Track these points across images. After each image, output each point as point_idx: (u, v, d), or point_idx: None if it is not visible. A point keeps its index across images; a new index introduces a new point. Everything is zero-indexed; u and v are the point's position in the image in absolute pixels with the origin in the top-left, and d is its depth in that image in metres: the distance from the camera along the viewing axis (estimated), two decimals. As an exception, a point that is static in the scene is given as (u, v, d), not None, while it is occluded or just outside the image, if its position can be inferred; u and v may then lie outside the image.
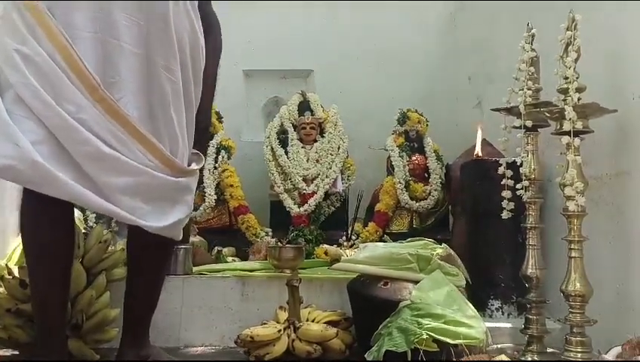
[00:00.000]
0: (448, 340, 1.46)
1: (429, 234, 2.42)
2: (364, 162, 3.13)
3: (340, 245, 2.71)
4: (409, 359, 1.48)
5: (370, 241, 2.64)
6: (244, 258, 2.63)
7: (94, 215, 2.58)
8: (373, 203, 2.93)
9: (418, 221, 2.82)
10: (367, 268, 1.86)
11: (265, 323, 2.07)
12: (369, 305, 1.87)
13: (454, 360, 1.27)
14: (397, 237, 2.58)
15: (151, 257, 1.68)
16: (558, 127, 1.71)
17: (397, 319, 1.59)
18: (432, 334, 1.49)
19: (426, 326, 1.50)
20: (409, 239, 2.08)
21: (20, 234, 1.53)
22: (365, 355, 1.60)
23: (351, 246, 2.65)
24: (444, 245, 2.00)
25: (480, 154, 2.19)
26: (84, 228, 2.47)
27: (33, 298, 1.54)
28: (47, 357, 1.51)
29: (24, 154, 1.31)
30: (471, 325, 1.51)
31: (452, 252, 1.98)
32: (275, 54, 3.42)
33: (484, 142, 2.43)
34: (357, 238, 2.74)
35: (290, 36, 3.42)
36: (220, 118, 3.00)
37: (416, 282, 1.82)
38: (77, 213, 2.09)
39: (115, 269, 2.02)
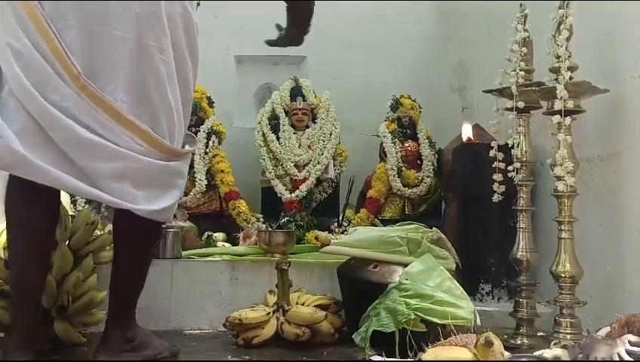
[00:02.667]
0: (436, 320, 1.45)
1: (422, 221, 2.37)
2: (356, 148, 3.12)
3: (331, 231, 2.69)
4: (397, 339, 1.47)
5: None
6: (234, 243, 2.61)
7: (83, 199, 2.55)
8: (365, 189, 2.91)
9: (410, 208, 2.81)
10: (356, 251, 1.85)
11: (254, 307, 2.05)
12: (359, 288, 1.86)
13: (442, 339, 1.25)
14: (389, 223, 2.56)
15: (138, 240, 1.66)
16: (550, 107, 1.69)
17: (385, 300, 1.58)
18: (420, 314, 1.47)
19: (413, 306, 1.49)
20: (399, 223, 2.06)
21: (5, 217, 1.53)
22: (353, 336, 1.59)
23: (342, 233, 2.63)
24: (434, 228, 1.98)
25: (471, 137, 2.17)
26: (73, 212, 2.44)
27: (10, 275, 1.55)
28: (20, 336, 1.49)
29: (6, 143, 1.39)
30: (459, 305, 1.50)
31: (442, 235, 1.96)
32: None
33: (476, 126, 2.42)
34: (349, 224, 2.72)
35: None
36: (211, 103, 2.98)
37: (405, 265, 1.80)
38: (65, 196, 2.08)
39: (102, 252, 2.00)
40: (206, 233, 2.59)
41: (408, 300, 1.51)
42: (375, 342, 1.58)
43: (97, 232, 2.05)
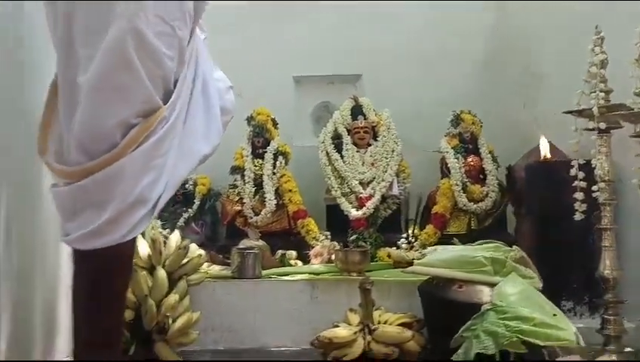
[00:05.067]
0: (539, 342, 1.49)
1: (487, 236, 2.43)
2: (416, 164, 3.16)
3: (398, 247, 2.75)
4: (497, 361, 1.52)
5: (429, 244, 2.67)
6: (305, 261, 2.69)
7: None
8: (428, 205, 2.96)
9: (476, 222, 2.85)
10: (442, 271, 1.90)
11: (336, 326, 2.12)
12: (444, 307, 1.91)
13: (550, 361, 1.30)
14: (452, 238, 2.61)
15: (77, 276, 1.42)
16: (639, 130, 1.73)
17: (482, 322, 1.63)
18: (522, 336, 1.52)
19: (515, 329, 1.54)
20: (478, 242, 2.10)
21: None
22: (453, 357, 1.64)
23: (411, 249, 2.68)
24: (515, 247, 2.02)
25: (548, 156, 2.21)
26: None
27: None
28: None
29: None
30: (560, 327, 1.54)
31: (524, 254, 2.00)
32: (323, 60, 3.47)
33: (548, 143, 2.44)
34: (415, 241, 2.77)
35: (337, 41, 3.46)
36: (275, 125, 3.07)
37: (491, 285, 1.85)
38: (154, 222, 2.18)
39: (193, 274, 2.09)
40: (279, 251, 2.67)
41: (508, 322, 1.56)
42: (473, 363, 1.63)
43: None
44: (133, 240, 1.39)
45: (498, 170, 2.93)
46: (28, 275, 1.77)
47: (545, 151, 2.24)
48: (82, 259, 1.34)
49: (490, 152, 2.95)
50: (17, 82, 1.73)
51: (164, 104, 1.33)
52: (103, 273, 1.35)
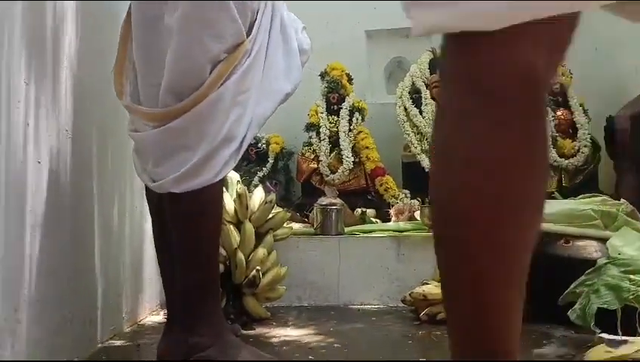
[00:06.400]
0: (670, 297, 1.37)
1: (579, 192, 2.29)
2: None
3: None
4: (619, 316, 1.40)
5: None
6: (383, 219, 2.61)
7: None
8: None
9: (567, 179, 2.68)
10: (549, 226, 1.78)
11: (425, 283, 2.04)
12: (549, 263, 1.78)
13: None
14: (548, 197, 2.46)
15: (175, 222, 1.38)
16: None
17: (600, 276, 1.51)
18: (650, 290, 1.40)
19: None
20: (581, 195, 1.97)
21: None
22: (568, 313, 1.54)
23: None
24: (623, 200, 1.88)
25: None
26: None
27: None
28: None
29: None
30: (693, 280, 1.41)
31: (634, 208, 1.85)
32: (396, 13, 3.32)
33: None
34: (500, 198, 2.63)
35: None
36: (350, 80, 2.96)
37: (602, 239, 1.72)
38: (236, 175, 2.13)
39: (279, 229, 2.04)
40: (359, 209, 2.60)
41: (632, 276, 1.44)
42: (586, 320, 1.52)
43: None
44: (221, 181, 1.37)
45: (590, 123, 2.75)
46: (116, 232, 1.76)
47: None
48: (175, 204, 1.31)
49: (581, 105, 2.76)
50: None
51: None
52: (197, 216, 1.33)
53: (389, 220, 2.55)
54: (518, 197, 0.63)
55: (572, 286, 1.60)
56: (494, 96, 0.61)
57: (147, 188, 1.42)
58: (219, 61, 1.28)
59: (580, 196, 1.96)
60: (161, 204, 1.37)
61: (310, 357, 1.49)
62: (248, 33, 1.32)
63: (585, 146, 2.66)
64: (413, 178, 2.85)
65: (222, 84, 1.28)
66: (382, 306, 2.17)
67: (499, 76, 0.61)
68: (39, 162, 1.33)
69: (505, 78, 0.61)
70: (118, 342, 1.65)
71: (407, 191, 2.78)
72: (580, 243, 1.75)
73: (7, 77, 1.20)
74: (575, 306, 1.52)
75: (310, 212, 2.51)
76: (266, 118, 1.42)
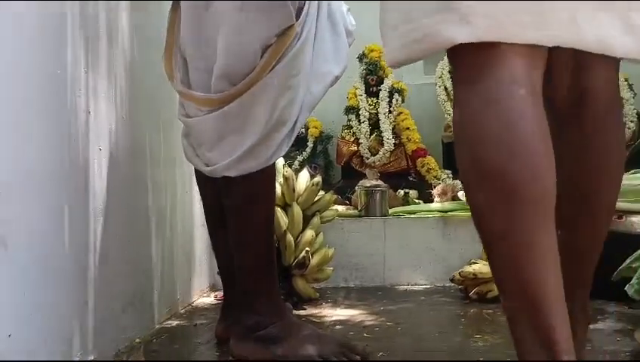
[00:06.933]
0: None
1: (627, 168, 2.25)
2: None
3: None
4: (679, 292, 1.38)
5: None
6: (426, 200, 2.60)
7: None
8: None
9: (613, 155, 2.63)
10: (601, 201, 1.75)
11: (474, 263, 2.03)
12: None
13: None
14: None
15: (230, 204, 1.40)
16: None
17: (659, 250, 1.48)
18: None
19: (702, 256, 1.39)
20: (632, 170, 1.93)
21: None
22: (626, 288, 1.51)
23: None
24: (677, 175, 1.83)
25: None
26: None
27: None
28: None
29: None
30: None
31: (688, 182, 1.81)
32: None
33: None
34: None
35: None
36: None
37: (656, 214, 1.69)
38: (281, 159, 2.15)
39: (326, 211, 2.06)
40: (401, 191, 2.60)
41: (692, 250, 1.41)
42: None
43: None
44: (274, 165, 1.39)
45: (635, 98, 2.68)
46: (169, 217, 1.81)
47: None
48: (230, 188, 1.34)
49: (625, 80, 2.70)
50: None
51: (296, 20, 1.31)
52: (253, 198, 1.35)
53: (431, 201, 2.55)
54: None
55: (627, 261, 1.57)
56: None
57: (197, 173, 1.45)
58: (269, 45, 1.29)
59: (632, 171, 1.92)
60: (213, 187, 1.40)
61: (365, 335, 1.51)
62: (297, 17, 1.32)
63: (631, 121, 2.61)
64: (453, 158, 2.83)
65: (273, 68, 1.29)
66: (429, 286, 2.18)
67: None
68: (100, 149, 1.37)
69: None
70: (175, 323, 1.70)
71: (449, 172, 2.77)
72: (634, 218, 1.72)
73: (70, 66, 1.24)
74: (633, 281, 1.50)
75: (352, 195, 2.53)
76: (317, 101, 1.43)
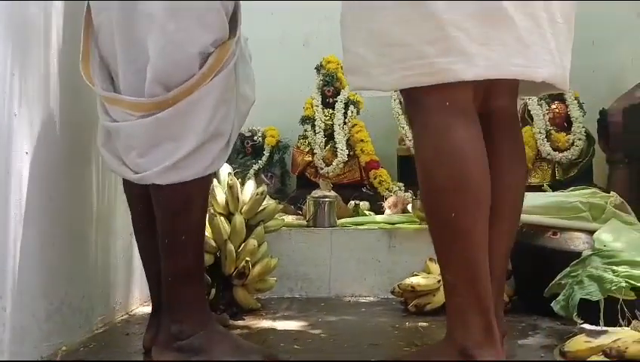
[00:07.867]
0: (653, 288, 1.37)
1: (573, 186, 2.29)
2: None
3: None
4: (601, 307, 1.41)
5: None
6: (377, 212, 2.62)
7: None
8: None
9: (560, 173, 2.68)
10: (536, 218, 1.78)
11: (415, 275, 2.04)
12: (536, 255, 1.79)
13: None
14: (538, 190, 2.47)
15: (158, 212, 1.37)
16: None
17: (585, 267, 1.51)
18: (632, 282, 1.40)
19: (622, 274, 1.42)
20: (572, 188, 1.97)
21: None
22: (552, 304, 1.54)
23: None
24: (612, 193, 1.88)
25: (652, 95, 2.02)
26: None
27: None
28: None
29: None
30: (676, 272, 1.41)
31: (623, 200, 1.85)
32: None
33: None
34: (494, 191, 2.64)
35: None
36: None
37: (589, 231, 1.73)
38: (228, 167, 2.14)
39: (270, 221, 2.05)
40: (352, 202, 2.61)
41: (615, 267, 1.44)
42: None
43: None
44: (210, 176, 1.37)
45: (584, 117, 2.74)
46: (107, 222, 1.78)
47: (647, 90, 2.05)
48: (159, 196, 1.31)
49: (576, 98, 2.76)
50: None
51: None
52: (182, 208, 1.32)
53: (382, 213, 2.57)
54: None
55: (557, 277, 1.61)
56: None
57: (125, 180, 1.42)
58: (208, 54, 1.28)
59: (570, 188, 1.96)
60: (141, 194, 1.37)
61: (295, 347, 1.50)
62: (231, 34, 1.32)
63: (579, 140, 2.66)
64: (408, 171, 2.85)
65: (212, 79, 1.28)
66: (373, 298, 2.18)
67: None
68: (27, 153, 1.34)
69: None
70: (107, 331, 1.67)
71: (401, 184, 2.79)
72: (568, 235, 1.75)
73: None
74: (559, 297, 1.53)
75: (304, 205, 2.53)
76: (244, 120, 1.44)
